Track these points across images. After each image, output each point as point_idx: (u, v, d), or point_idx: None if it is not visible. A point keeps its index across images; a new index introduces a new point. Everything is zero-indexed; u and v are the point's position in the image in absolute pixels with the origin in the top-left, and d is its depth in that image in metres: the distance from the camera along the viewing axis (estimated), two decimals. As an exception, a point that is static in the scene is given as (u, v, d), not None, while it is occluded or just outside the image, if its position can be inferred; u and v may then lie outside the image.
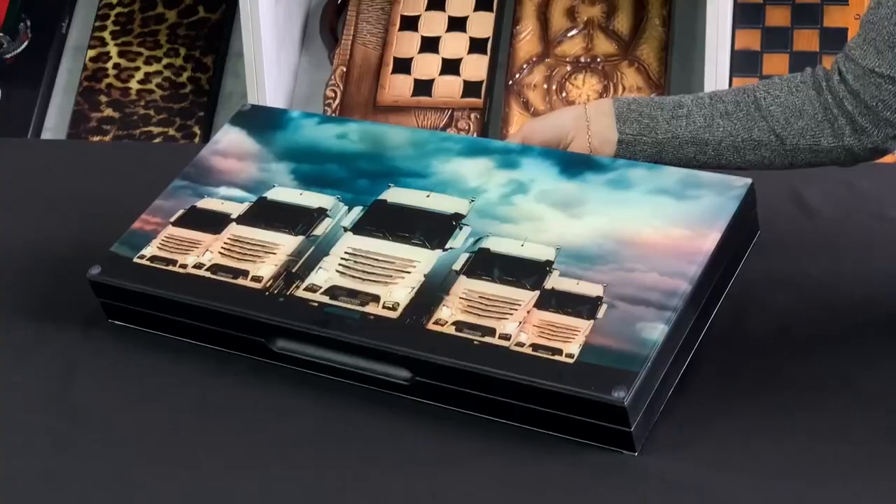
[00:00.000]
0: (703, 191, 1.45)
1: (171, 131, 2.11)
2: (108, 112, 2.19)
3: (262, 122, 1.69)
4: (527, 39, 2.33)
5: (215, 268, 1.51)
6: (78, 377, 1.50)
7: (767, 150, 1.47)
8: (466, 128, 2.17)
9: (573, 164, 1.52)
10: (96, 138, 2.14)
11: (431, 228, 1.49)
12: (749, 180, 1.45)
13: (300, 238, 1.52)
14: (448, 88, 2.34)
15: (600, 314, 1.35)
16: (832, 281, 1.53)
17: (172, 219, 1.59)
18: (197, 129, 2.12)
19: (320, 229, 1.53)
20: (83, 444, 1.40)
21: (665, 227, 1.42)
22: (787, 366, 1.41)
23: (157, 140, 2.09)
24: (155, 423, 1.43)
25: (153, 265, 1.53)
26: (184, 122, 2.17)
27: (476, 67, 2.33)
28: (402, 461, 1.35)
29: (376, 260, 1.47)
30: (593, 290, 1.38)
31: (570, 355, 1.32)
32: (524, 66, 2.30)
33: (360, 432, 1.39)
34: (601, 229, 1.44)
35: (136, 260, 1.54)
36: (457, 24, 2.40)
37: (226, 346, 1.51)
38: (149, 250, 1.55)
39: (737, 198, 1.43)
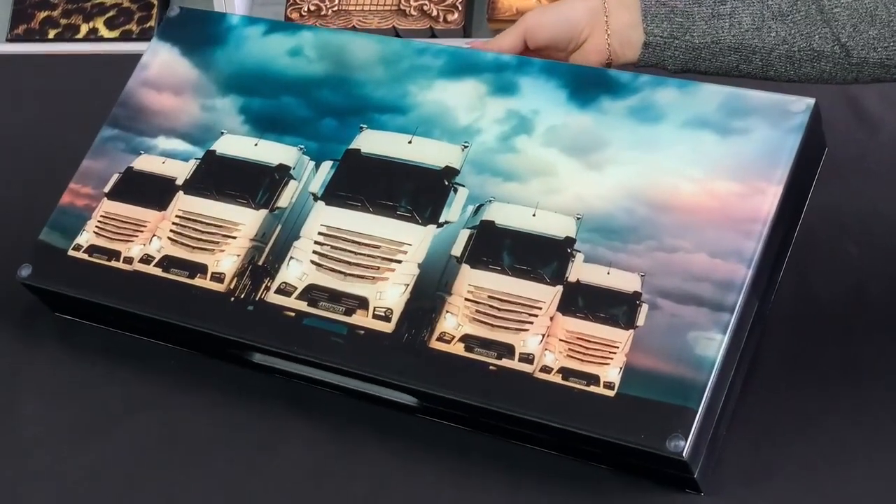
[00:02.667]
0: (752, 120, 1.14)
1: (126, 2, 1.77)
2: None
3: (196, 33, 1.38)
4: None
5: (167, 262, 1.24)
6: (19, 400, 1.26)
7: (829, 63, 1.15)
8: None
9: (584, 84, 1.21)
10: (43, 14, 1.81)
11: (420, 191, 1.21)
12: (811, 101, 1.14)
13: (263, 213, 1.24)
14: None
15: (640, 319, 1.09)
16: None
17: (107, 188, 1.31)
18: (154, -2, 1.79)
19: (285, 198, 1.25)
20: (29, 488, 1.18)
21: (708, 179, 1.13)
22: (867, 340, 1.15)
23: (110, 13, 1.76)
24: (115, 457, 1.19)
25: (92, 259, 1.27)
26: (138, -13, 1.84)
27: None
28: (415, 495, 1.13)
29: (358, 244, 1.20)
30: (629, 282, 1.11)
31: (608, 385, 1.07)
32: None
33: (364, 459, 1.16)
34: (628, 186, 1.15)
35: (70, 252, 1.28)
36: None
37: (195, 350, 1.27)
38: (84, 237, 1.28)
39: (798, 129, 1.13)
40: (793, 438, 1.10)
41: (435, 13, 1.75)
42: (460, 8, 1.74)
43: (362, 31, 1.72)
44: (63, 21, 1.78)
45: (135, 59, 1.38)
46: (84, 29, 1.77)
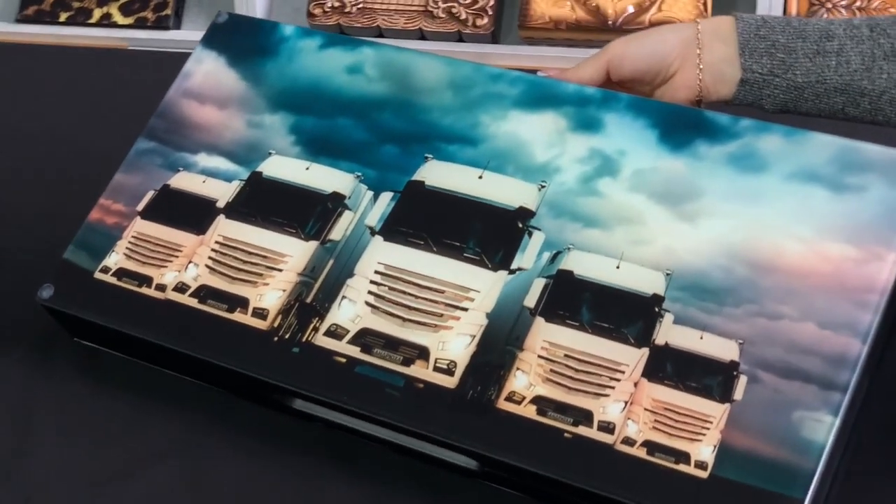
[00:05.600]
0: (868, 176, 1.04)
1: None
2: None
3: (244, 42, 1.26)
4: None
5: (204, 292, 1.13)
6: (31, 441, 1.14)
7: None
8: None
9: (677, 125, 1.10)
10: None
11: (490, 232, 1.09)
12: (933, 160, 1.03)
13: (313, 245, 1.13)
14: None
15: (738, 392, 0.98)
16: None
17: (140, 206, 1.19)
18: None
19: (338, 230, 1.13)
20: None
21: (818, 239, 1.02)
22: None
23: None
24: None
25: (121, 284, 1.15)
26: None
27: None
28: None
29: (419, 286, 1.08)
30: (725, 350, 1.00)
31: (701, 464, 0.96)
32: None
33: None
34: (725, 242, 1.04)
35: (97, 275, 1.16)
36: None
37: (228, 391, 1.15)
38: (113, 259, 1.16)
39: (918, 190, 1.02)
40: None
41: (464, 16, 1.65)
42: (490, 12, 1.64)
43: (387, 30, 1.63)
44: (76, 4, 1.68)
45: (156, 55, 1.26)
46: (97, 14, 1.67)
